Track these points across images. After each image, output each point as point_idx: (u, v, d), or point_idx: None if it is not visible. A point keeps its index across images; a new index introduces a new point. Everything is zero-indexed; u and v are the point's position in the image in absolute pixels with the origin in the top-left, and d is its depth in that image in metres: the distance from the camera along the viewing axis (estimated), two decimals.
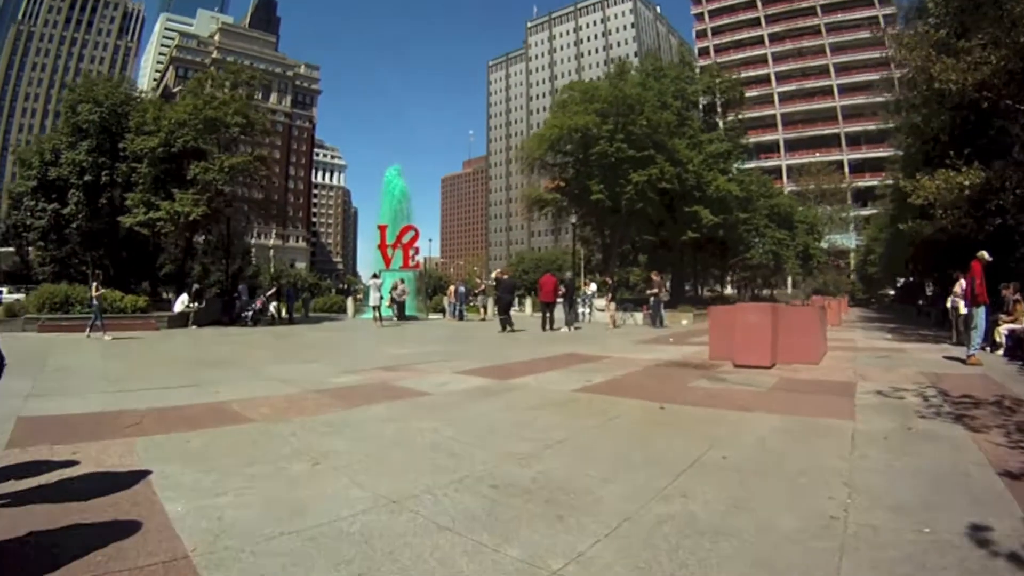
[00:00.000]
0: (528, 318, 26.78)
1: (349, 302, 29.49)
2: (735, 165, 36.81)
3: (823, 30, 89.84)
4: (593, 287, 25.07)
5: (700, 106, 38.63)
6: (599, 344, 14.75)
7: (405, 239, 26.67)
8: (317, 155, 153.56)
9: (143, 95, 29.48)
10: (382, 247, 26.78)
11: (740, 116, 42.06)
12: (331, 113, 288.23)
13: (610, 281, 22.63)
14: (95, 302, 15.84)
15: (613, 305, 22.01)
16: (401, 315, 25.53)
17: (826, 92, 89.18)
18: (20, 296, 27.94)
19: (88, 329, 15.58)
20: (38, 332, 16.80)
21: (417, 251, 27.05)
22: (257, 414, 5.80)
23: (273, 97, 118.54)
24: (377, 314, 20.84)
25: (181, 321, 21.06)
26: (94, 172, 24.63)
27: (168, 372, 9.27)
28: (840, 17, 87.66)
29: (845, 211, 74.59)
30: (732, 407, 6.30)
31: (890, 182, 35.30)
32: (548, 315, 19.10)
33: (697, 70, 41.18)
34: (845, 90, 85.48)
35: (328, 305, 33.05)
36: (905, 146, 23.50)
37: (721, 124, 38.75)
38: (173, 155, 22.87)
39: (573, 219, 27.83)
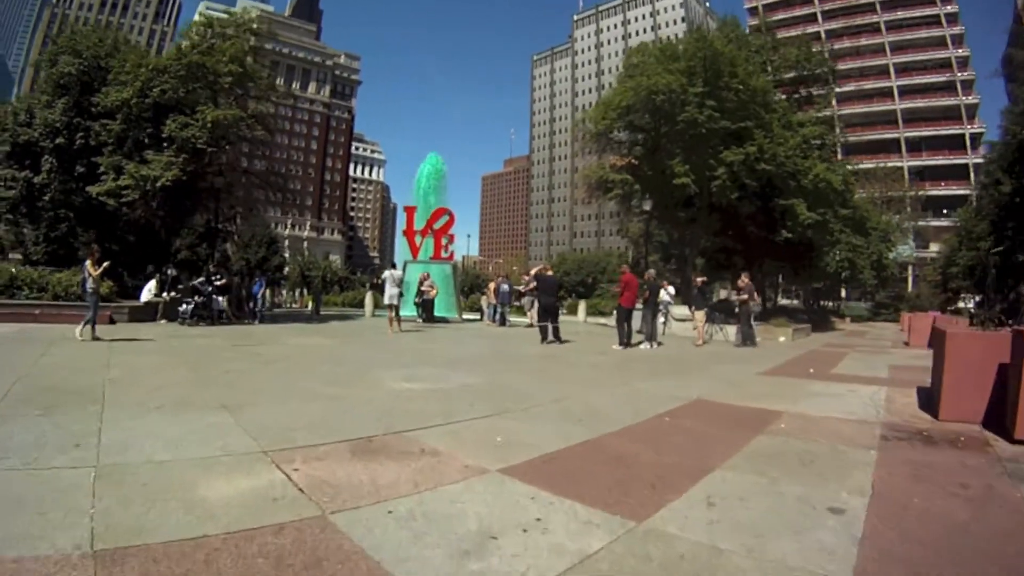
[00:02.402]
0: (573, 324, 21.58)
1: (367, 298, 24.65)
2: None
3: (883, 28, 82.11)
4: (671, 290, 19.72)
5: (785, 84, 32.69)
6: (715, 376, 9.67)
7: (437, 224, 21.68)
8: (357, 149, 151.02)
9: (134, 43, 25.05)
10: (408, 233, 21.88)
11: (832, 97, 36.14)
12: (372, 109, 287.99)
13: (700, 282, 17.32)
14: (90, 286, 11.36)
15: (703, 315, 16.70)
16: (429, 316, 20.61)
17: (885, 94, 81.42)
18: None
19: (83, 324, 11.18)
20: None
21: (451, 239, 22.02)
22: None
23: (312, 86, 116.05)
24: (393, 314, 15.83)
25: (148, 313, 16.70)
26: (68, 134, 20.34)
27: None
28: (900, 15, 79.91)
29: (913, 219, 67.01)
30: None
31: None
32: (627, 327, 13.93)
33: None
34: (906, 92, 77.93)
35: (352, 300, 28.75)
36: None
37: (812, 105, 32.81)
38: (149, 109, 18.37)
39: (647, 206, 22.24)
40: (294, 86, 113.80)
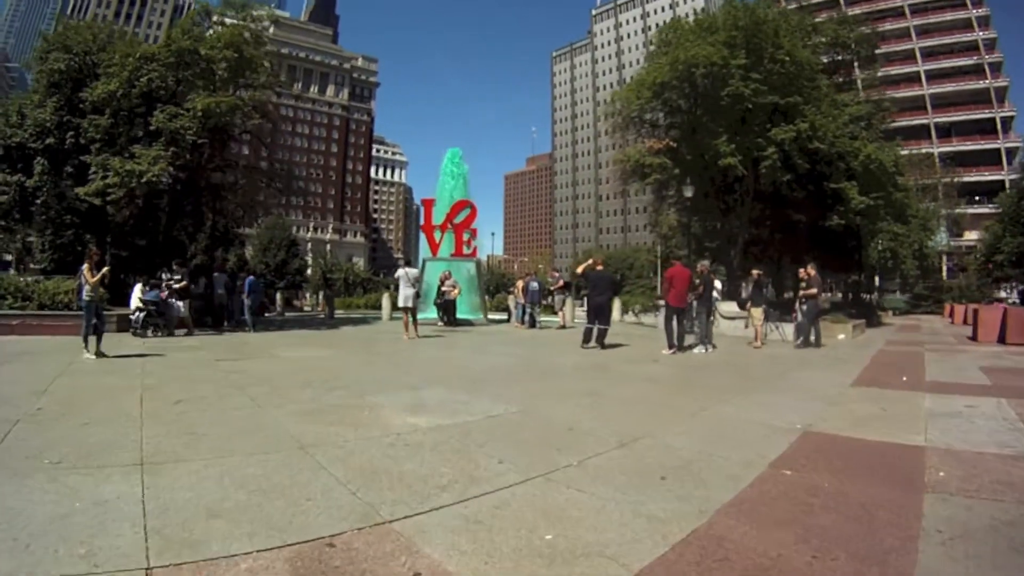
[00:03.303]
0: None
1: (385, 300, 22.79)
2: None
3: (906, 11, 78.03)
4: (718, 284, 17.55)
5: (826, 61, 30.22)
6: (800, 389, 7.78)
7: (458, 218, 19.66)
8: (378, 151, 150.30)
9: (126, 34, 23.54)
10: (427, 227, 19.95)
11: (876, 74, 33.61)
12: (392, 112, 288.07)
13: (757, 275, 15.16)
14: (86, 296, 9.60)
15: (762, 312, 14.55)
16: (451, 319, 18.71)
17: (912, 79, 77.34)
18: None
19: (84, 341, 9.54)
20: None
21: (474, 233, 19.97)
22: None
23: (330, 89, 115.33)
24: (409, 318, 13.92)
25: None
26: (59, 133, 18.91)
27: None
28: None
29: (948, 207, 63.39)
30: None
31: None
32: (678, 327, 11.89)
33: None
34: (933, 76, 73.80)
35: (374, 302, 27.09)
36: None
37: (859, 83, 30.43)
38: (140, 103, 16.79)
39: (688, 192, 19.92)
40: (312, 90, 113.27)
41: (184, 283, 15.19)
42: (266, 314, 27.26)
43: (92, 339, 9.41)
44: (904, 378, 9.45)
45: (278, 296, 30.81)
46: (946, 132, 72.63)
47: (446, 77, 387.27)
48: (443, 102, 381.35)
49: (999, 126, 68.79)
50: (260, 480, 3.59)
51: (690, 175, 20.46)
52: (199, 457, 4.09)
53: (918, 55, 75.44)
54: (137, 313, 14.19)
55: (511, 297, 22.55)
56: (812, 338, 14.51)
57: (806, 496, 3.55)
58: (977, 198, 66.49)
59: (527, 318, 18.47)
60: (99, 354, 9.34)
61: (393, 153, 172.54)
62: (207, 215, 21.88)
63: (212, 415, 5.49)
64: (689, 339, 12.61)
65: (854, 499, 3.48)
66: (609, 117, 22.83)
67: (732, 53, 18.79)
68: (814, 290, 14.47)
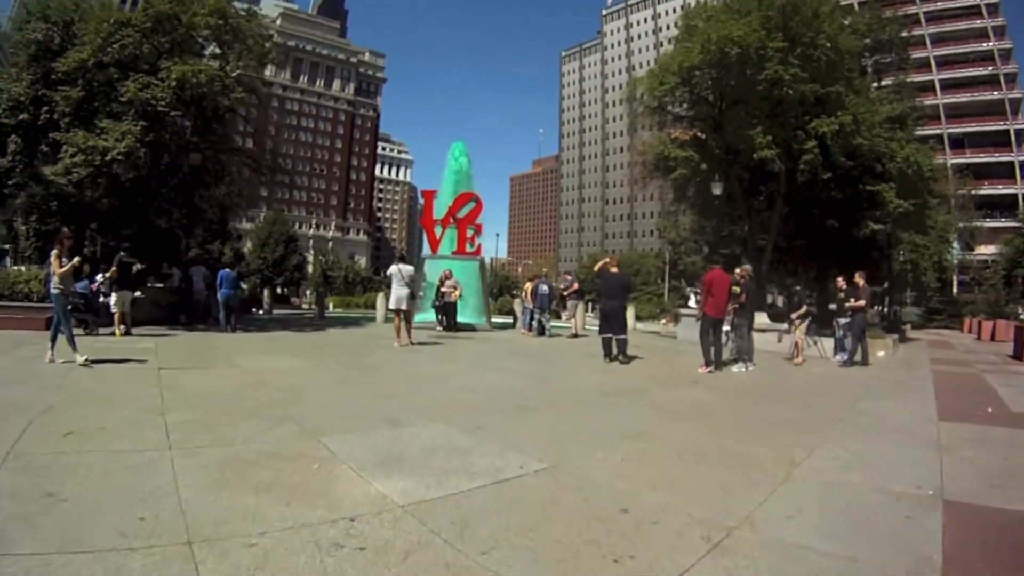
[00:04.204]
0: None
1: (379, 300, 20.95)
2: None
3: (922, 19, 76.11)
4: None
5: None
6: (888, 428, 6.20)
7: (461, 212, 17.75)
8: (383, 149, 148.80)
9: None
10: (426, 221, 18.12)
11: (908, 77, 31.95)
12: (399, 111, 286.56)
13: (796, 288, 13.40)
14: (54, 288, 7.92)
15: (804, 326, 12.80)
16: (451, 323, 16.95)
17: (927, 88, 75.44)
18: None
19: (51, 341, 7.91)
20: None
21: (479, 229, 18.08)
22: None
23: (336, 83, 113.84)
24: (400, 322, 12.10)
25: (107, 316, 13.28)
26: (34, 108, 17.19)
27: None
28: (940, 5, 73.93)
29: (964, 220, 61.57)
30: None
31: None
32: (716, 341, 10.13)
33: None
34: (947, 86, 71.92)
35: (373, 301, 25.37)
36: None
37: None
38: (117, 74, 15.08)
39: (717, 190, 17.89)
40: (318, 83, 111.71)
41: (110, 273, 12.87)
42: (256, 311, 25.54)
43: (64, 343, 7.77)
44: (989, 409, 8.04)
45: (265, 293, 28.92)
46: (959, 143, 70.87)
47: (454, 77, 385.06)
48: (450, 102, 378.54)
49: (1013, 138, 67.13)
50: None
51: (717, 172, 18.56)
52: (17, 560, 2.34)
53: (932, 63, 73.68)
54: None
55: (517, 301, 20.77)
56: (858, 357, 12.82)
57: None
58: (989, 211, 64.84)
59: (535, 325, 16.64)
60: (52, 360, 7.71)
61: (399, 151, 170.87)
62: (201, 206, 20.08)
63: (95, 462, 3.73)
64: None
65: None
66: (628, 103, 20.84)
67: (768, 36, 16.98)
68: (863, 302, 12.74)
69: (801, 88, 16.34)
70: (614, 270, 11.34)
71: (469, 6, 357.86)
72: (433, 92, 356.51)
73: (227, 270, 15.08)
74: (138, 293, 16.48)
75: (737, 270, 11.17)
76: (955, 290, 65.46)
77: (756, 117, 17.22)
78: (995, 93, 68.80)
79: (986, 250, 64.52)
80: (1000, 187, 64.73)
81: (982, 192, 63.44)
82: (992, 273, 61.40)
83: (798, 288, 13.60)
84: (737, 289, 10.69)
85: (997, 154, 66.91)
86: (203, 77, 13.91)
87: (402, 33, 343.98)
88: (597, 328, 13.03)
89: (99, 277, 12.89)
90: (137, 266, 15.62)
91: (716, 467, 4.33)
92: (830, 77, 17.58)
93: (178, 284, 18.28)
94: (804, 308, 12.98)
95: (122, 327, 12.64)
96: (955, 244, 65.01)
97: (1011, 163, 66.39)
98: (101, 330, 12.67)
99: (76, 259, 8.43)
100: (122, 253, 13.58)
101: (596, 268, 11.75)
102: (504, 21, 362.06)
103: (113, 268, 13.01)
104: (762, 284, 20.76)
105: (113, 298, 12.90)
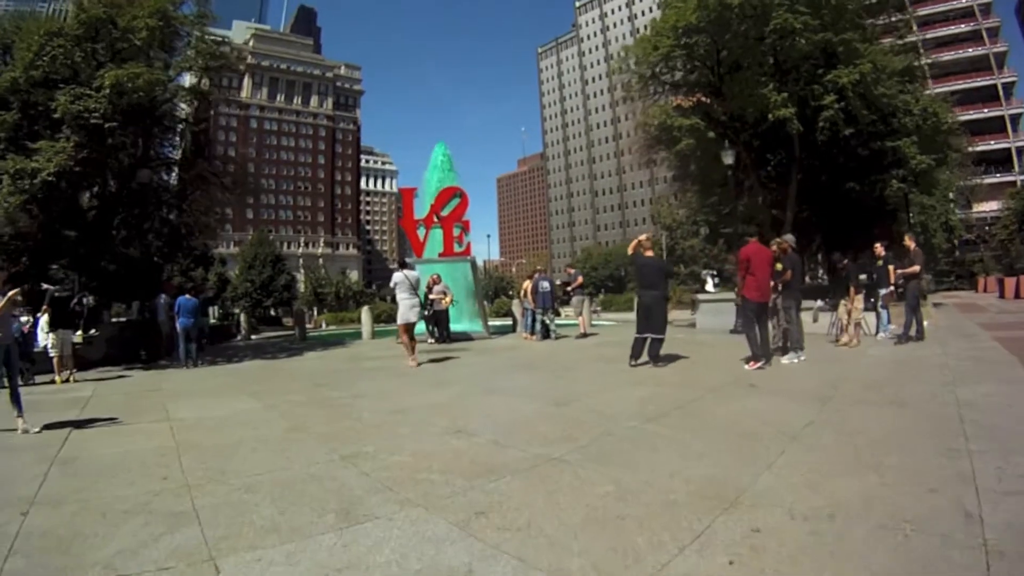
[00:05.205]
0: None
1: (364, 314, 19.00)
2: None
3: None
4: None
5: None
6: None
7: (445, 209, 15.89)
8: (367, 162, 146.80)
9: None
10: (406, 222, 16.27)
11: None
12: (380, 123, 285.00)
13: (845, 262, 11.66)
14: None
15: (860, 303, 11.02)
16: (443, 334, 15.17)
17: (909, 49, 74.21)
18: None
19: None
20: None
21: (466, 227, 16.17)
22: None
23: (313, 100, 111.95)
24: (407, 337, 10.34)
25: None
26: None
27: None
28: None
29: (962, 178, 60.34)
30: None
31: None
32: (762, 329, 8.35)
33: None
34: (931, 46, 71.03)
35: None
36: None
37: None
38: (46, 88, 13.24)
39: (728, 159, 15.93)
40: (295, 101, 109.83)
41: (45, 308, 11.20)
42: (237, 337, 23.69)
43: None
44: None
45: (243, 318, 26.82)
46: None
47: (431, 84, 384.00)
48: (430, 109, 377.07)
49: (1001, 92, 66.61)
50: None
51: (727, 139, 16.75)
52: None
53: (913, 25, 72.39)
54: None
55: (516, 302, 18.96)
56: (912, 331, 11.05)
57: None
58: (985, 168, 64.01)
59: (538, 327, 14.81)
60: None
61: (383, 163, 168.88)
62: (163, 229, 18.16)
63: None
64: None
65: None
66: (620, 73, 18.99)
67: None
68: (917, 267, 10.99)
69: (812, 37, 14.60)
70: (649, 254, 9.29)
71: (440, 9, 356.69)
72: (412, 100, 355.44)
73: (185, 296, 13.22)
74: (93, 331, 14.69)
75: (775, 241, 9.37)
76: (956, 251, 64.36)
77: (763, 75, 15.46)
78: (979, 49, 68.00)
79: (985, 207, 63.49)
80: (992, 142, 64.28)
81: (977, 149, 62.46)
82: (1001, 228, 60.08)
83: (846, 261, 11.83)
84: (780, 266, 8.91)
85: (987, 109, 66.09)
86: (140, 82, 12.10)
87: (376, 43, 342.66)
88: (609, 324, 11.23)
89: (24, 319, 11.03)
90: (87, 300, 13.79)
91: (882, 548, 2.53)
92: (839, 24, 15.89)
93: (139, 316, 16.41)
94: (863, 277, 11.29)
95: (64, 372, 10.89)
96: (952, 203, 63.90)
97: (1001, 117, 66.03)
98: (37, 378, 10.95)
99: (14, 291, 6.45)
100: (53, 287, 11.66)
101: (629, 250, 9.59)
102: (477, 22, 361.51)
103: (45, 306, 11.20)
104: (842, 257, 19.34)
105: (50, 340, 11.13)
